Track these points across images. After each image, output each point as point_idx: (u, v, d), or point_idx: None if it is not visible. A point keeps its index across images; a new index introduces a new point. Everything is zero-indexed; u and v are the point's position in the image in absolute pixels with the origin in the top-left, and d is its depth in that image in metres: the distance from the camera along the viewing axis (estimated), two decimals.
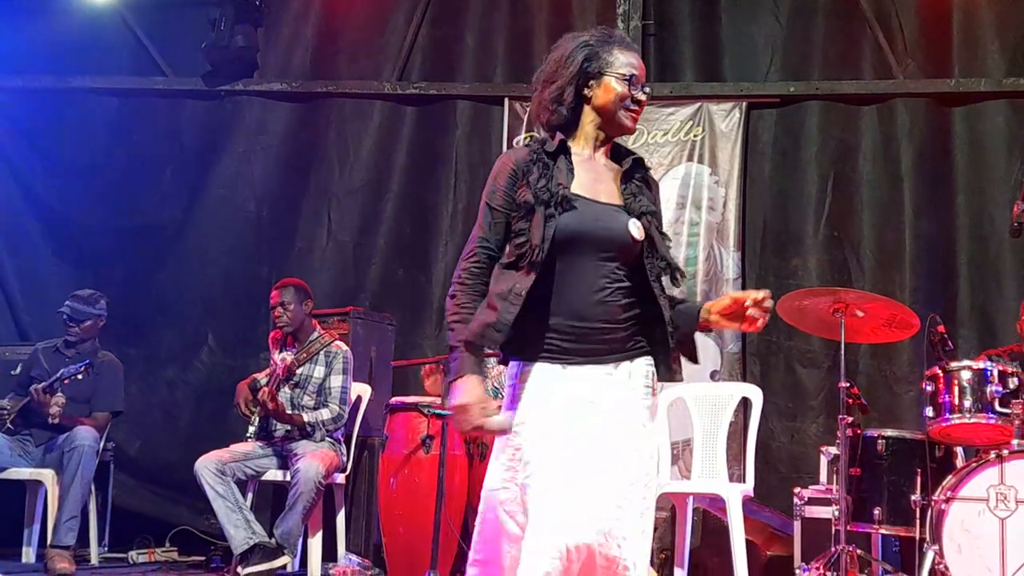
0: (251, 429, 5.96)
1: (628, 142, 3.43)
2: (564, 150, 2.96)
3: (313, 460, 5.63)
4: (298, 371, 5.89)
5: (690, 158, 7.36)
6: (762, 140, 7.41)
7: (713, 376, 6.98)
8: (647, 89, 2.98)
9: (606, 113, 2.95)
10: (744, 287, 7.14)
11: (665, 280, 2.96)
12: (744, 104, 7.34)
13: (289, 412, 5.85)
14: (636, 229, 2.87)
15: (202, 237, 7.89)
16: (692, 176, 7.34)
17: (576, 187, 2.90)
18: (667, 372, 2.93)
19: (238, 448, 5.86)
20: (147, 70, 8.03)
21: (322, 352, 5.97)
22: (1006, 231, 6.44)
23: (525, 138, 7.46)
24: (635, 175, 2.99)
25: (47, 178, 8.01)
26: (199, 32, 7.75)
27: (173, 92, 8.02)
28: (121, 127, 8.03)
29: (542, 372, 2.86)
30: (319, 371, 5.97)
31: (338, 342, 6.08)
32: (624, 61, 2.95)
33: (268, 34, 7.91)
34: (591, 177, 2.94)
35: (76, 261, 7.88)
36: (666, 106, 7.41)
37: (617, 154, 3.04)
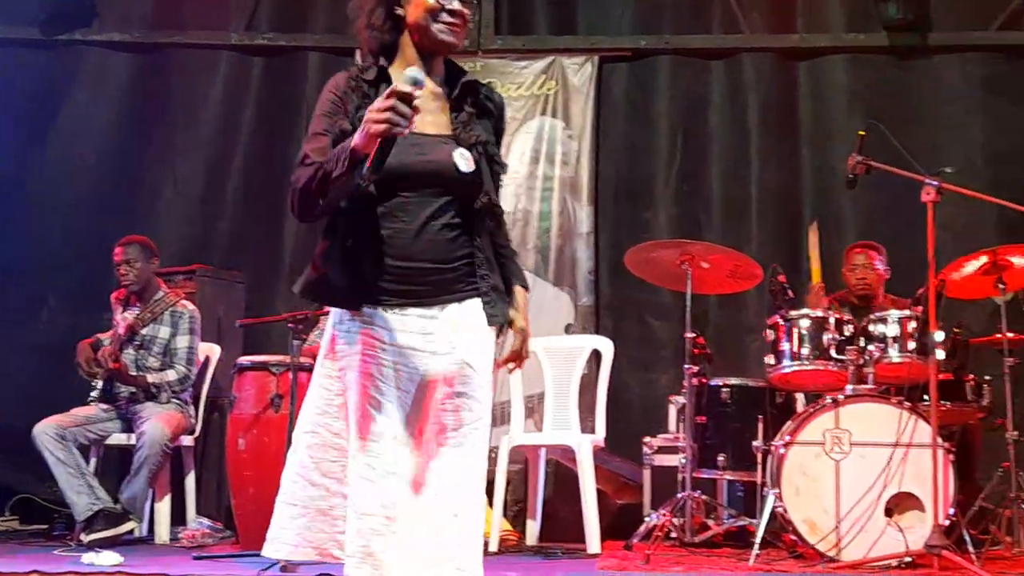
0: (93, 393, 5.78)
1: None
2: (384, 77, 2.77)
3: (158, 422, 5.50)
4: (143, 331, 5.73)
5: (543, 112, 7.37)
6: (614, 94, 7.46)
7: (568, 329, 7.04)
8: None
9: (419, 29, 2.74)
10: (597, 241, 7.25)
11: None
12: (596, 58, 7.37)
13: (133, 374, 5.68)
14: (463, 161, 2.71)
15: (40, 191, 7.55)
16: (546, 130, 7.34)
17: None
18: (492, 316, 2.80)
19: (80, 412, 5.68)
20: None
21: (167, 312, 5.82)
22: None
23: None
24: (467, 101, 2.82)
25: None
26: None
27: (6, 41, 7.62)
28: None
29: (365, 316, 2.71)
30: (164, 331, 5.82)
31: (184, 301, 5.93)
32: None
33: None
34: (417, 105, 2.69)
35: None
36: (519, 59, 7.40)
37: (453, 78, 2.85)
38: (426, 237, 2.70)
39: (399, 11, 2.77)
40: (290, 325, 5.27)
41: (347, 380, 2.73)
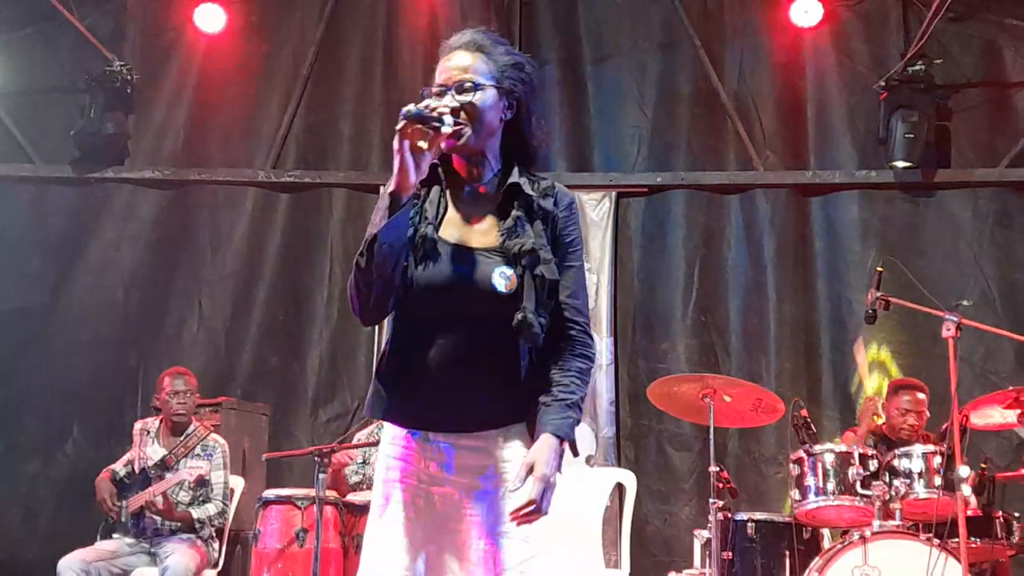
0: (116, 526, 5.78)
1: None
2: (436, 178, 2.65)
3: (183, 557, 5.50)
4: (175, 465, 5.76)
5: None
6: (631, 227, 7.61)
7: (588, 461, 7.06)
8: (462, 88, 2.60)
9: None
10: (617, 372, 7.31)
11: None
12: (614, 193, 7.54)
13: (180, 512, 5.70)
14: (502, 280, 2.56)
15: (68, 325, 7.69)
16: None
17: (446, 225, 2.63)
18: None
19: (104, 546, 5.68)
20: (14, 156, 7.86)
21: (199, 446, 5.86)
22: (863, 315, 6.76)
23: None
24: (514, 206, 2.63)
25: None
26: (69, 118, 7.67)
27: (40, 179, 7.86)
28: None
29: (404, 439, 2.63)
30: (197, 465, 5.83)
31: (215, 435, 5.98)
32: (437, 72, 2.66)
33: (139, 121, 7.84)
34: (464, 213, 2.64)
35: None
36: None
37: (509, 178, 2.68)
38: (465, 358, 2.58)
39: None
40: (316, 459, 5.32)
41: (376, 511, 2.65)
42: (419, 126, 2.47)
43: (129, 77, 7.55)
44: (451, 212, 2.64)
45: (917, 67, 7.08)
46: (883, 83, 7.16)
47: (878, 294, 5.12)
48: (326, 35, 7.95)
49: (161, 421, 6.01)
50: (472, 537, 2.60)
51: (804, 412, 5.35)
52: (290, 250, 7.77)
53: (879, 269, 5.12)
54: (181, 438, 5.87)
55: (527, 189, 2.64)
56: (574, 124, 7.76)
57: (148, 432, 5.99)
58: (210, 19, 7.76)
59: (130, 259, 7.80)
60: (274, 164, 7.85)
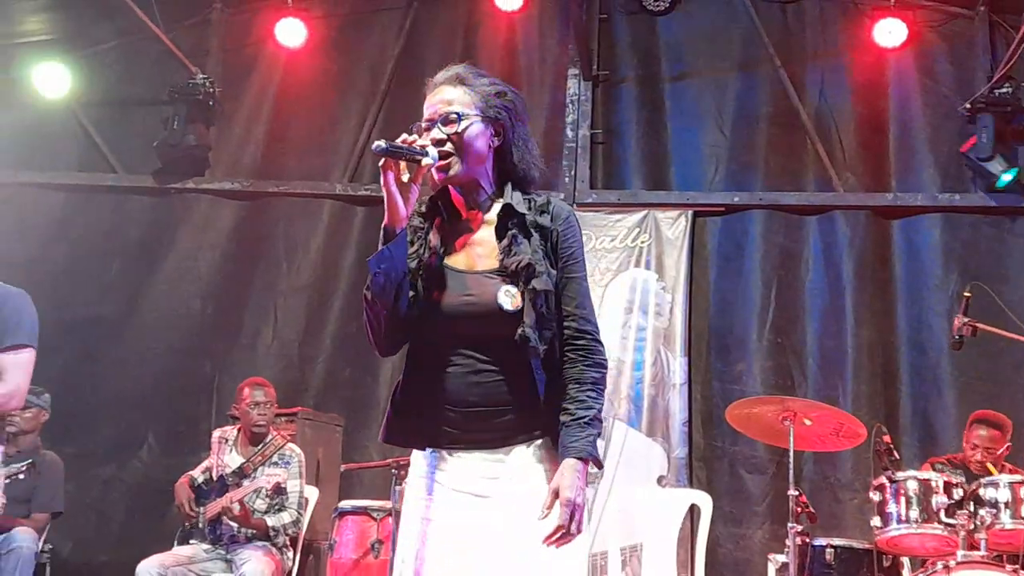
0: (188, 526, 5.83)
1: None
2: (437, 210, 2.77)
3: (258, 564, 5.53)
4: (252, 473, 5.80)
5: (637, 264, 7.47)
6: (707, 247, 7.56)
7: (660, 481, 7.00)
8: (447, 120, 2.69)
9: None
10: (691, 392, 7.24)
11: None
12: (690, 212, 7.49)
13: (256, 519, 5.74)
14: (508, 298, 2.64)
15: (144, 333, 7.81)
16: (639, 282, 7.44)
17: (450, 253, 2.73)
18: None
19: (181, 551, 5.73)
20: (97, 165, 8.02)
21: (276, 455, 5.90)
22: (945, 339, 6.68)
23: None
24: (509, 224, 2.72)
25: None
26: (151, 130, 7.79)
27: (122, 188, 8.00)
28: (66, 221, 7.98)
29: (428, 461, 2.69)
30: (274, 473, 5.87)
31: (291, 444, 6.02)
32: (425, 106, 2.75)
33: (220, 133, 7.97)
34: (465, 240, 2.74)
35: None
36: (613, 213, 7.56)
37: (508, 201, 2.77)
38: (480, 379, 2.65)
39: None
40: (393, 470, 5.32)
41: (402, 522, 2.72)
42: (398, 160, 2.58)
43: (211, 90, 7.68)
44: (453, 241, 2.74)
45: (1004, 89, 6.96)
46: (968, 105, 7.05)
47: (965, 320, 5.02)
48: (404, 51, 8.04)
49: (239, 430, 6.06)
50: (497, 553, 2.62)
51: (887, 438, 5.25)
52: (364, 264, 7.75)
53: (966, 294, 5.01)
54: (259, 447, 5.91)
55: (520, 208, 2.72)
56: (651, 142, 7.74)
57: (226, 440, 6.04)
58: (291, 34, 7.86)
59: (207, 269, 7.91)
60: (351, 177, 7.93)
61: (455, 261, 2.73)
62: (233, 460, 5.92)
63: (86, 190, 8.02)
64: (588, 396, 2.68)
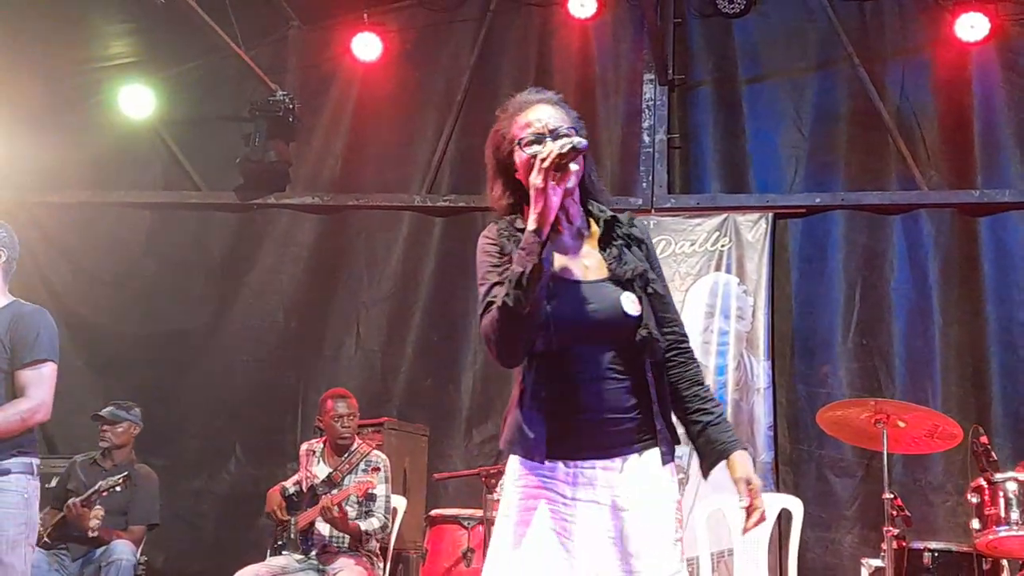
0: (281, 542, 5.90)
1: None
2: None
3: (351, 573, 5.57)
4: (341, 481, 5.86)
5: (718, 268, 7.42)
6: (789, 249, 7.50)
7: None
8: (558, 133, 2.72)
9: (531, 187, 2.63)
10: (775, 396, 7.17)
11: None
12: (770, 215, 7.43)
13: (351, 522, 5.78)
14: (631, 304, 2.70)
15: (230, 346, 7.96)
16: (720, 286, 7.39)
17: (558, 264, 2.74)
18: (664, 455, 2.72)
19: (275, 562, 5.80)
20: (181, 183, 8.19)
21: (362, 462, 5.96)
22: None
23: None
24: (613, 235, 2.81)
25: (78, 288, 8.09)
26: (232, 147, 7.93)
27: (205, 205, 8.16)
28: (152, 238, 8.16)
29: (544, 471, 2.70)
30: (362, 480, 5.93)
31: (377, 452, 6.07)
32: (521, 124, 2.78)
33: (299, 148, 8.08)
34: (568, 251, 2.77)
35: (103, 370, 7.90)
36: (692, 217, 7.52)
37: (591, 216, 2.85)
38: (603, 387, 2.69)
39: (517, 176, 2.79)
40: (483, 480, 5.35)
41: (503, 527, 2.72)
42: (562, 163, 2.60)
43: (290, 106, 7.79)
44: (557, 253, 2.75)
45: None
46: None
47: None
48: (479, 61, 8.09)
49: (325, 442, 6.13)
50: (612, 560, 2.65)
51: (984, 439, 5.17)
52: (444, 274, 7.87)
53: None
54: (345, 456, 5.97)
55: (622, 220, 2.83)
56: (729, 145, 7.70)
57: (314, 452, 6.11)
58: (367, 48, 7.96)
59: (289, 282, 8.03)
60: (429, 189, 7.99)
61: (566, 272, 2.76)
62: (321, 471, 5.98)
63: (171, 207, 8.20)
64: (714, 398, 2.84)
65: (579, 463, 2.69)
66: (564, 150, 2.58)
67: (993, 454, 5.18)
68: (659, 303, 2.79)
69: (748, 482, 2.71)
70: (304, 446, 6.24)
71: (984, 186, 7.24)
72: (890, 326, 7.21)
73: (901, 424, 5.37)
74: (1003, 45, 7.32)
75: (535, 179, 2.57)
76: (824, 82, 7.64)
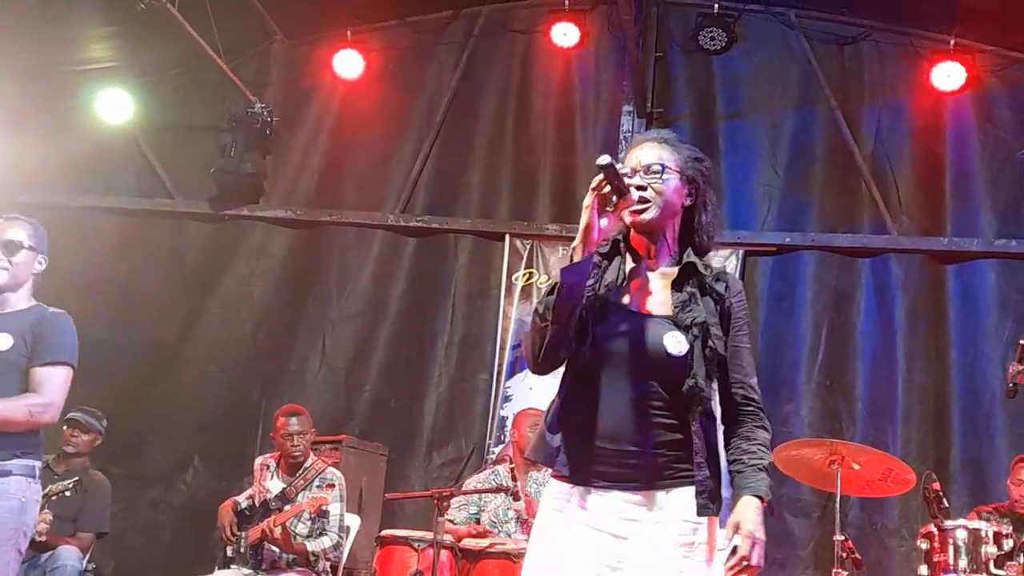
0: (230, 551, 5.84)
1: None
2: (617, 251, 2.87)
3: None
4: (295, 497, 5.82)
5: None
6: (758, 286, 7.51)
7: None
8: (650, 170, 2.80)
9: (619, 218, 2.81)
10: None
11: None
12: (741, 252, 7.46)
13: (295, 543, 5.74)
14: (675, 343, 2.70)
15: (198, 356, 7.92)
16: None
17: (624, 293, 2.80)
18: (703, 507, 2.69)
19: (223, 575, 5.74)
20: (155, 191, 8.16)
21: (317, 479, 5.91)
22: (999, 386, 6.56)
23: (524, 274, 7.59)
24: (687, 282, 2.81)
25: (47, 291, 8.00)
26: (209, 157, 7.91)
27: (179, 214, 8.13)
28: (124, 245, 8.12)
29: (565, 492, 2.74)
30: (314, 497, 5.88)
31: (332, 469, 6.02)
32: (628, 159, 2.87)
33: (276, 161, 8.07)
34: (640, 284, 2.81)
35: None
36: None
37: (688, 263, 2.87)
38: (633, 418, 2.70)
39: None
40: (436, 502, 5.31)
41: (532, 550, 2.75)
42: (609, 183, 2.65)
43: (269, 119, 7.78)
44: (629, 283, 2.82)
45: None
46: None
47: (1020, 368, 4.91)
48: (461, 84, 8.11)
49: (279, 458, 6.08)
50: None
51: (936, 485, 5.17)
52: (414, 294, 7.86)
53: (1022, 342, 4.90)
54: (300, 472, 5.93)
55: (701, 269, 2.83)
56: None
57: (268, 467, 6.05)
58: (349, 65, 7.97)
59: (260, 295, 8.01)
60: (403, 208, 7.99)
61: (627, 301, 2.81)
62: (275, 486, 5.92)
63: (144, 215, 8.17)
64: (760, 449, 2.77)
65: (602, 491, 2.72)
66: (607, 165, 2.64)
67: (945, 501, 5.19)
68: (732, 361, 2.79)
69: (736, 526, 2.67)
70: (259, 460, 6.17)
71: (954, 234, 7.29)
72: (854, 367, 7.23)
73: (856, 466, 5.37)
74: (979, 95, 7.39)
75: (585, 199, 2.66)
76: (801, 122, 7.69)
